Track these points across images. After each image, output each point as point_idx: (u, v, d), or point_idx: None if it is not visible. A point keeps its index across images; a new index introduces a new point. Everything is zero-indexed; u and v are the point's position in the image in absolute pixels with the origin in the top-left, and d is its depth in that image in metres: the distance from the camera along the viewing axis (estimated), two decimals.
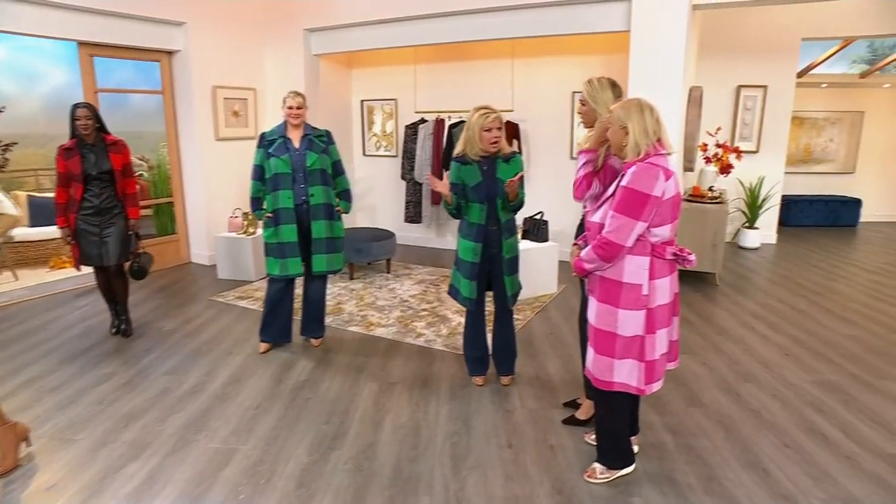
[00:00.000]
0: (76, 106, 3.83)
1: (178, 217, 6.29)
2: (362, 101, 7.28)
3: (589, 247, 2.20)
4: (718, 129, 6.31)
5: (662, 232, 2.14)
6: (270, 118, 6.45)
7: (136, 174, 6.98)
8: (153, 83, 5.94)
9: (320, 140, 3.73)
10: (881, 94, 8.87)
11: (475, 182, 3.06)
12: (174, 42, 5.78)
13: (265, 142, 3.73)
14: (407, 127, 6.69)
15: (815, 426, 2.90)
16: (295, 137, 3.71)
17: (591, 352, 2.31)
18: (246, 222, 5.73)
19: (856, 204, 8.72)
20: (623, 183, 2.11)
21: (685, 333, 4.11)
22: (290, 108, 3.65)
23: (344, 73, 7.17)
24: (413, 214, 6.78)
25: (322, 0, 6.14)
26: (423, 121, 6.59)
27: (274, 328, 3.89)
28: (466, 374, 3.45)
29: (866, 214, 8.93)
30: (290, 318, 3.94)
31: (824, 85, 8.70)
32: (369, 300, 4.99)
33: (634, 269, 2.15)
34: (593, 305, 2.27)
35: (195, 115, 5.95)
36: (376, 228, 6.09)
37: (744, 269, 6.15)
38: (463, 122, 6.26)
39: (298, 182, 3.65)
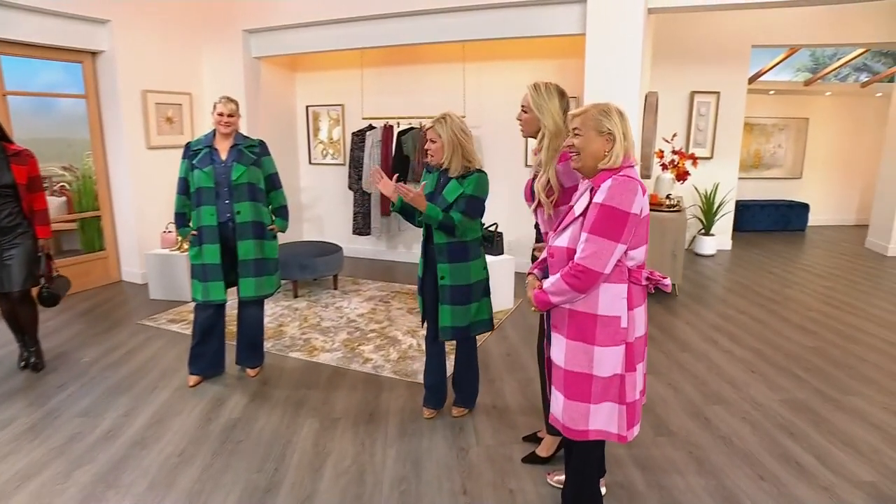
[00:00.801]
0: None
1: (106, 232, 5.77)
2: (307, 106, 6.91)
3: (556, 276, 1.89)
4: (674, 135, 6.24)
5: (638, 254, 1.89)
6: (208, 125, 5.96)
7: (59, 185, 6.47)
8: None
9: (251, 150, 3.37)
10: (824, 101, 9.07)
11: (428, 191, 2.83)
12: (97, 41, 5.29)
13: (190, 152, 3.36)
14: (354, 134, 6.35)
15: (788, 453, 2.73)
16: (223, 148, 3.34)
17: (558, 398, 1.97)
18: (180, 238, 5.28)
19: (804, 208, 8.87)
20: (599, 200, 1.80)
21: (649, 351, 3.92)
22: (221, 115, 3.28)
23: (287, 77, 6.79)
24: (362, 226, 6.44)
25: None
26: (370, 127, 6.27)
27: (203, 359, 3.50)
28: (419, 404, 3.16)
29: (813, 218, 9.11)
30: (221, 347, 3.56)
31: (772, 92, 8.83)
32: (314, 321, 4.64)
33: (611, 298, 1.86)
34: (560, 344, 1.95)
35: (123, 121, 5.46)
36: (323, 242, 5.73)
37: (702, 277, 6.08)
38: (413, 128, 5.99)
39: (223, 197, 3.29)
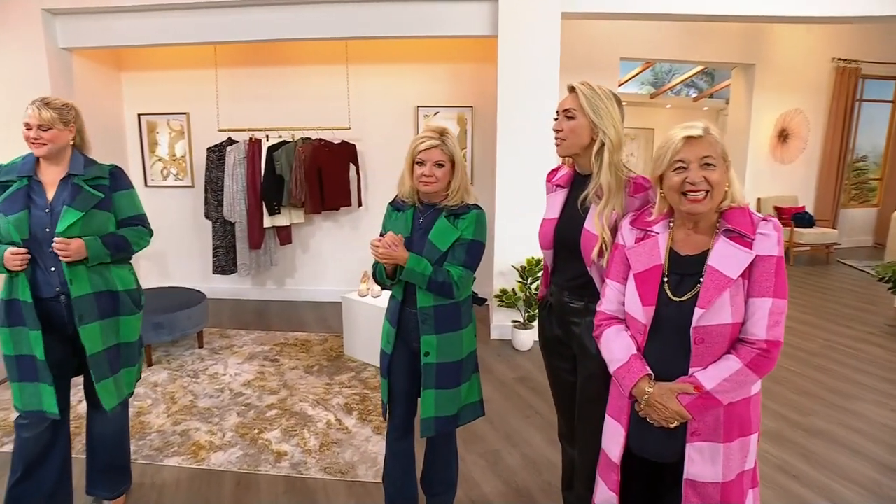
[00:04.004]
0: None
1: None
2: (139, 114, 5.49)
3: (727, 366, 1.41)
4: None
5: None
6: (3, 143, 4.40)
7: None
8: None
9: (95, 185, 2.24)
10: (665, 113, 9.79)
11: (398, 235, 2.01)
12: None
13: None
14: (209, 150, 5.13)
15: (802, 499, 2.47)
16: (50, 180, 2.19)
17: None
18: None
19: None
20: (773, 252, 1.42)
21: None
22: (29, 127, 2.12)
23: (110, 76, 5.32)
24: (224, 263, 5.23)
25: None
26: (230, 141, 5.12)
27: (32, 501, 2.27)
28: None
29: None
30: (63, 478, 2.33)
31: (624, 104, 9.26)
32: (185, 401, 3.48)
33: None
34: (714, 454, 1.46)
35: None
36: (178, 289, 4.50)
37: None
38: (286, 142, 5.01)
39: (47, 261, 2.14)
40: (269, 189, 5.00)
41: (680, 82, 9.17)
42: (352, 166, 5.21)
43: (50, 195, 2.17)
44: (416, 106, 5.26)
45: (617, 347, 1.57)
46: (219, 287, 5.68)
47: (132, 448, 2.87)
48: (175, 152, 5.58)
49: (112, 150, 5.41)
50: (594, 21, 6.39)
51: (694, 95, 10.19)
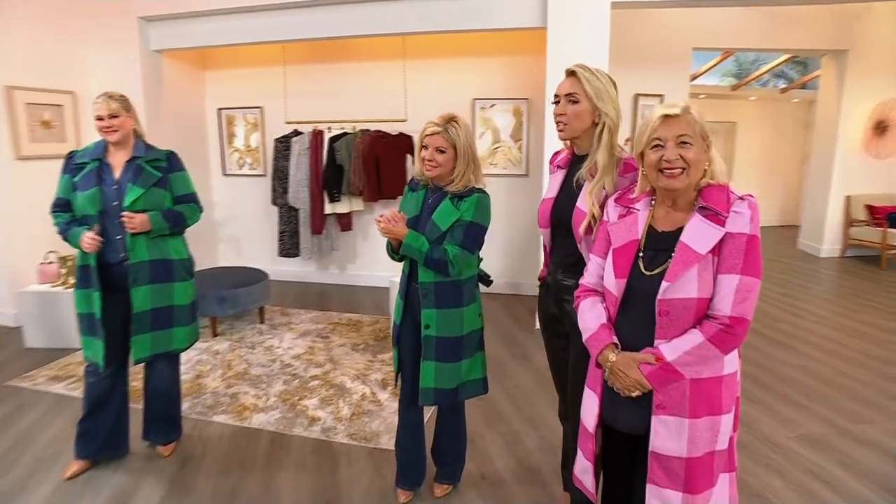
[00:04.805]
0: None
1: None
2: (220, 109, 5.99)
3: (690, 340, 1.43)
4: (627, 140, 5.92)
5: None
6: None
7: None
8: None
9: (155, 166, 2.56)
10: (749, 106, 9.25)
11: (411, 215, 2.18)
12: None
13: (72, 165, 2.52)
14: (277, 141, 5.53)
15: None
16: (117, 162, 2.52)
17: (678, 498, 1.49)
18: (64, 270, 4.27)
19: None
20: (745, 230, 1.42)
21: None
22: (99, 118, 2.45)
23: (195, 75, 5.85)
24: (289, 247, 5.62)
25: None
26: (296, 133, 5.48)
27: (95, 439, 2.62)
28: (389, 481, 2.50)
29: None
30: (121, 421, 2.70)
31: (702, 96, 8.87)
32: (240, 368, 3.82)
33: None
34: (679, 429, 1.47)
35: None
36: (244, 268, 4.89)
37: None
38: (346, 133, 5.29)
39: (113, 230, 2.47)
40: (329, 178, 5.30)
41: (765, 72, 8.63)
42: (409, 157, 5.40)
43: (117, 174, 2.50)
44: (472, 98, 5.36)
45: (590, 317, 1.63)
46: (287, 270, 6.09)
47: (187, 404, 3.23)
48: (250, 143, 6.03)
49: (195, 141, 5.94)
50: (664, 10, 6.21)
51: (782, 86, 9.54)
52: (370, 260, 5.96)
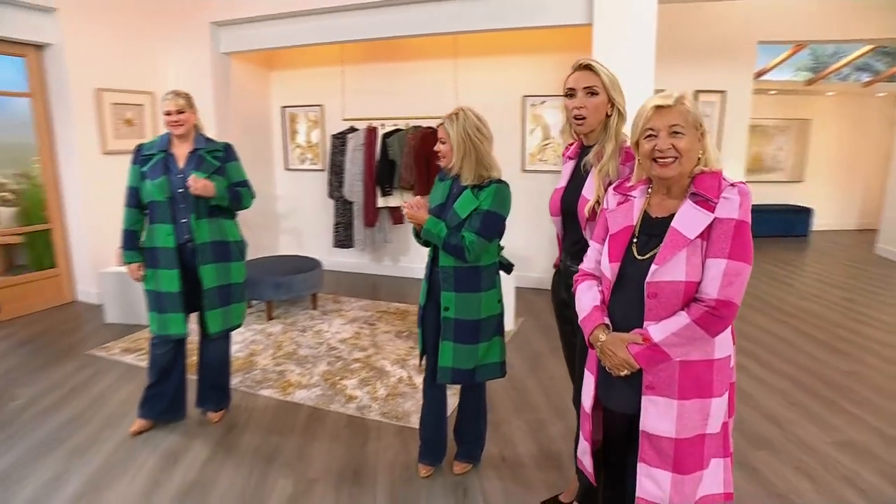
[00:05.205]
0: None
1: (57, 247, 5.16)
2: (283, 107, 6.35)
3: (676, 322, 1.47)
4: None
5: None
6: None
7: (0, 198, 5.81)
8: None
9: (214, 157, 2.82)
10: (826, 101, 8.75)
11: (437, 203, 2.33)
12: (43, 33, 4.69)
13: (140, 156, 2.81)
14: (334, 137, 5.81)
15: None
16: (180, 153, 2.80)
17: (661, 476, 1.55)
18: (125, 262, 4.69)
19: (807, 213, 8.52)
20: (734, 215, 1.45)
21: None
22: (168, 113, 2.74)
23: (261, 75, 6.23)
24: (343, 238, 5.89)
25: None
26: (352, 129, 5.74)
27: (160, 402, 2.95)
28: (413, 456, 2.64)
29: (817, 223, 8.76)
30: (180, 388, 3.01)
31: (773, 92, 8.47)
32: (289, 349, 4.08)
33: (725, 334, 1.53)
34: (668, 409, 1.52)
35: (75, 122, 4.87)
36: (299, 257, 5.18)
37: None
38: (399, 130, 5.49)
39: (179, 214, 2.75)
40: (382, 172, 5.52)
41: (844, 65, 8.12)
42: None
43: (181, 164, 2.78)
44: (522, 96, 5.42)
45: (585, 299, 1.70)
46: (344, 261, 6.36)
47: (238, 379, 3.51)
48: (311, 139, 6.35)
49: (260, 137, 6.33)
50: (726, 3, 6.02)
51: (866, 79, 8.94)
52: (421, 252, 6.11)
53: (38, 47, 4.79)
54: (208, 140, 2.87)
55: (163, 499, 2.41)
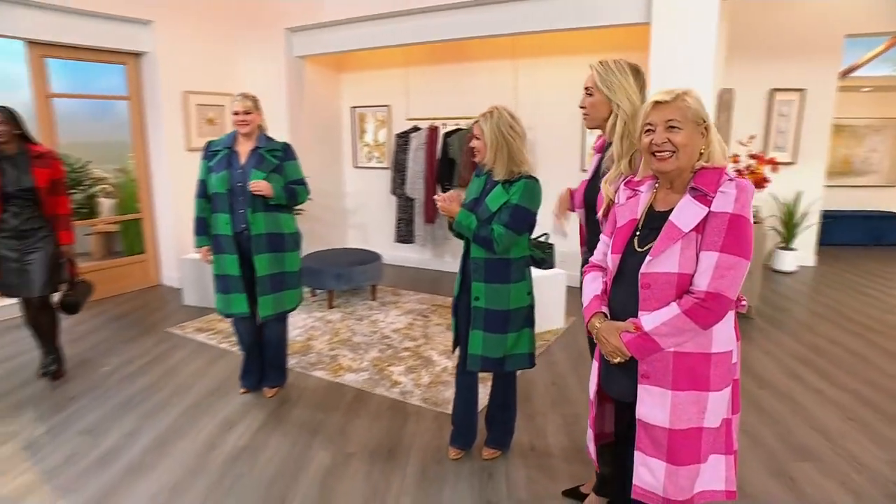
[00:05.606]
0: None
1: (146, 235, 5.70)
2: (353, 107, 6.66)
3: (667, 312, 1.51)
4: (752, 137, 5.57)
5: None
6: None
7: (101, 190, 6.47)
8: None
9: (273, 155, 3.07)
10: None
11: (472, 197, 2.44)
12: (140, 43, 5.21)
13: (209, 152, 3.11)
14: (397, 136, 6.04)
15: None
16: (243, 150, 3.07)
17: (656, 466, 1.58)
18: (196, 247, 5.11)
19: None
20: (729, 209, 1.46)
21: None
22: (236, 113, 3.01)
23: (332, 77, 6.56)
24: (405, 233, 6.11)
25: None
26: (415, 129, 5.94)
27: (252, 376, 3.36)
28: (447, 440, 2.76)
29: None
30: (262, 359, 3.36)
31: (866, 89, 7.89)
32: (345, 335, 4.32)
33: (724, 329, 1.55)
34: (662, 399, 1.55)
35: (164, 122, 5.37)
36: (361, 250, 5.43)
37: (781, 297, 5.37)
38: (459, 129, 5.62)
39: (237, 206, 3.01)
40: (442, 171, 5.68)
41: None
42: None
43: (243, 161, 3.05)
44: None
45: (589, 290, 1.76)
46: (408, 256, 6.57)
47: (294, 360, 3.77)
48: (378, 139, 6.62)
49: (331, 137, 6.66)
50: None
51: None
52: None
53: (136, 55, 5.31)
54: (269, 139, 3.12)
55: (217, 458, 2.67)
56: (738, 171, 5.25)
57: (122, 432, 2.91)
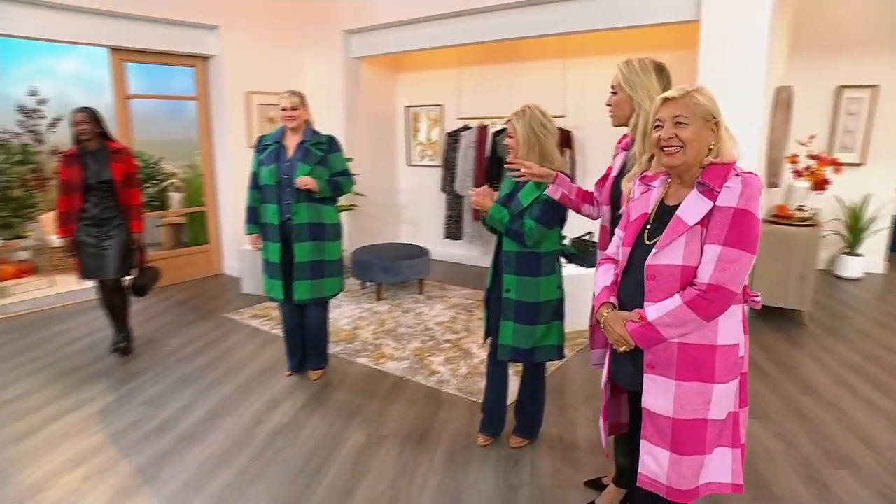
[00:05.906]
0: (75, 111, 3.60)
1: (210, 227, 6.08)
2: (407, 107, 6.84)
3: (671, 303, 1.54)
4: (812, 137, 5.34)
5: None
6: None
7: (171, 185, 6.93)
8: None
9: (318, 148, 3.25)
10: None
11: (506, 193, 2.54)
12: (208, 46, 5.58)
13: (260, 146, 3.34)
14: (448, 135, 6.16)
15: None
16: (291, 144, 3.27)
17: (661, 455, 1.62)
18: (247, 234, 5.41)
19: None
20: (732, 203, 1.49)
21: (758, 389, 3.31)
22: (284, 109, 3.20)
23: (388, 77, 6.76)
24: (454, 230, 6.23)
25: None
26: (465, 128, 6.04)
27: (294, 357, 3.57)
28: (477, 428, 2.85)
29: None
30: (304, 342, 3.56)
31: None
32: (390, 326, 4.48)
33: (730, 323, 1.57)
34: (667, 389, 1.58)
35: (228, 121, 5.72)
36: (410, 245, 5.59)
37: (841, 304, 5.13)
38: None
39: (284, 197, 3.21)
40: (491, 169, 5.76)
41: None
42: (566, 151, 5.59)
43: (290, 154, 3.25)
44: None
45: (600, 281, 1.81)
46: (456, 252, 6.68)
47: (340, 347, 3.96)
48: (431, 137, 6.77)
49: (386, 135, 6.86)
50: None
51: None
52: None
53: (204, 58, 5.68)
54: (315, 133, 3.30)
55: (261, 432, 2.87)
56: (797, 172, 5.07)
57: (179, 405, 3.17)
